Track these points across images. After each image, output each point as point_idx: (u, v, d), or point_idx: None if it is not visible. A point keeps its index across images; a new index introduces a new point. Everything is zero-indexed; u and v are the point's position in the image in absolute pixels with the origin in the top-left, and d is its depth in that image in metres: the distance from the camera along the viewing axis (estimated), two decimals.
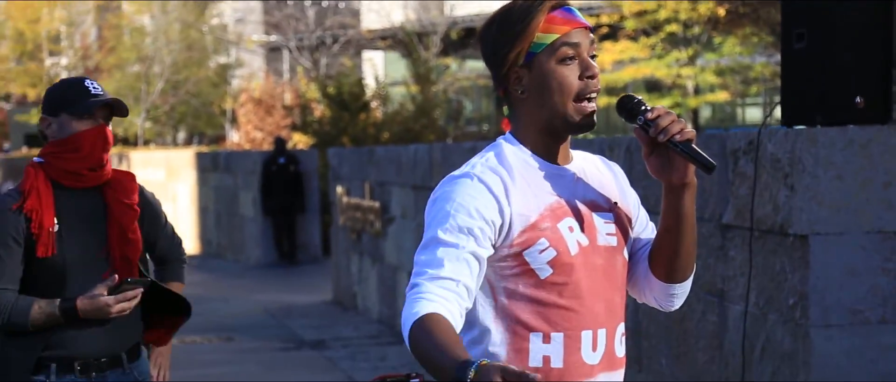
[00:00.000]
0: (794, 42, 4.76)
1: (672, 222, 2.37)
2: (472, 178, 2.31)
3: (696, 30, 23.15)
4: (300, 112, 21.41)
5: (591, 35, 2.35)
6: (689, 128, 2.27)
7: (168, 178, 20.31)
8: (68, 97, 3.55)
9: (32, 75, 38.61)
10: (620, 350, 2.40)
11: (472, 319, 2.34)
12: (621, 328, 2.41)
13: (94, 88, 3.56)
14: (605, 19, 23.63)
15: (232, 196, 17.55)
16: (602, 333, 2.35)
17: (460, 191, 2.29)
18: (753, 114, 29.38)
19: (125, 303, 3.50)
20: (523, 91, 2.35)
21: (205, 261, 17.24)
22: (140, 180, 3.80)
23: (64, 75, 39.62)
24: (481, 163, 2.34)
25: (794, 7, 4.83)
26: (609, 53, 23.58)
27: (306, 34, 32.45)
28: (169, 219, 3.94)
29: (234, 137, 30.23)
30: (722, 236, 5.07)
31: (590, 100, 2.33)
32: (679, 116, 2.28)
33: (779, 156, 4.56)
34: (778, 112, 4.96)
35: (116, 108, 3.59)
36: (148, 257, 3.87)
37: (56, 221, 3.53)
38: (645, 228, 2.52)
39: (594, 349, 2.34)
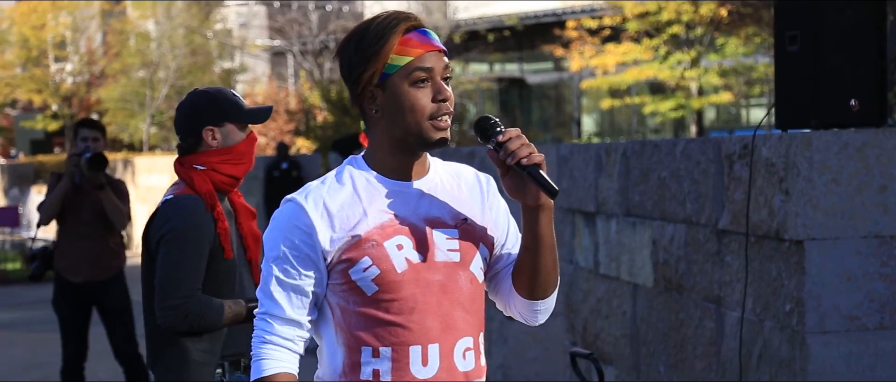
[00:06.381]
0: (788, 44, 4.71)
1: (530, 241, 2.41)
2: (296, 204, 2.38)
3: (699, 31, 23.09)
4: (303, 117, 21.41)
5: (446, 58, 2.41)
6: (538, 153, 2.30)
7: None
8: (229, 107, 3.70)
9: (38, 81, 38.61)
10: (464, 364, 2.41)
11: (320, 331, 2.45)
12: (465, 342, 2.41)
13: (239, 97, 3.77)
14: (607, 21, 23.58)
15: None
16: (433, 348, 2.37)
17: (287, 220, 2.38)
18: (757, 115, 29.29)
19: None
20: (377, 110, 2.39)
21: None
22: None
23: (69, 81, 39.68)
24: (316, 186, 2.41)
25: (787, 9, 4.78)
26: (612, 56, 23.51)
27: (310, 39, 32.47)
28: None
29: None
30: (718, 242, 5.01)
31: (443, 120, 2.38)
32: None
33: (773, 160, 4.51)
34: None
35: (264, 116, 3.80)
36: None
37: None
38: (515, 243, 2.53)
39: (424, 364, 2.37)
